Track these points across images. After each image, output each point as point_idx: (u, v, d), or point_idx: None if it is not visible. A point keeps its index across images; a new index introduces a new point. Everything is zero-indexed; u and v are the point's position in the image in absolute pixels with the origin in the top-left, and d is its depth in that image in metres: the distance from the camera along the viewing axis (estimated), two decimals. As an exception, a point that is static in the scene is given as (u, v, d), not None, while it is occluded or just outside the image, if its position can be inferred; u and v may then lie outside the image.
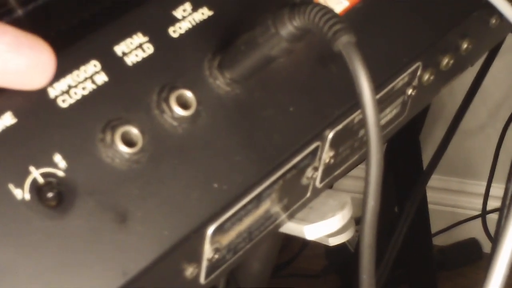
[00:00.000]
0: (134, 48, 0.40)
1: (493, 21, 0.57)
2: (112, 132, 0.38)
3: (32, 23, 0.41)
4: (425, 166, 1.13)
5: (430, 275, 1.34)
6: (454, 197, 1.65)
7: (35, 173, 0.36)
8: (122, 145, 0.38)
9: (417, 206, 1.09)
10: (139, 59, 0.40)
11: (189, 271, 0.41)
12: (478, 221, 1.39)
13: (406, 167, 1.24)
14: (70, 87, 0.38)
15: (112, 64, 0.39)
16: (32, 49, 0.35)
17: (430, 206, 1.28)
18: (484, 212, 1.35)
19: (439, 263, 1.54)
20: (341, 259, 1.51)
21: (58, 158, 0.37)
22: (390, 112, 0.52)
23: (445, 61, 0.54)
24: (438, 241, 1.49)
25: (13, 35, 0.34)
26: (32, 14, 0.41)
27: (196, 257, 0.42)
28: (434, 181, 1.33)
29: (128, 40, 0.40)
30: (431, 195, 1.29)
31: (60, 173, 0.36)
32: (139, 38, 0.41)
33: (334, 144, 0.47)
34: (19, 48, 0.34)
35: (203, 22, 0.42)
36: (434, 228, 1.35)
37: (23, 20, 0.41)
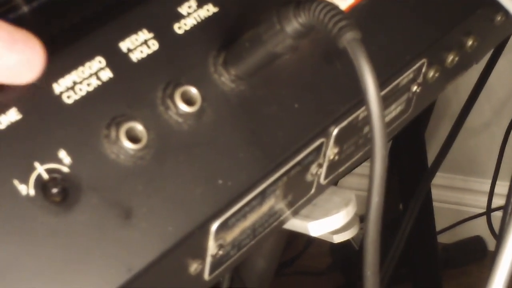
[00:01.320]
0: (139, 45, 0.40)
1: (498, 18, 0.57)
2: (117, 128, 0.38)
3: (37, 20, 0.41)
4: (429, 164, 1.13)
5: (435, 273, 1.34)
6: (459, 195, 1.64)
7: (40, 169, 0.36)
8: (127, 141, 0.38)
9: (422, 203, 1.09)
10: (144, 55, 0.40)
11: (193, 267, 0.42)
12: (483, 219, 1.38)
13: (411, 165, 1.24)
14: (75, 83, 0.38)
15: (117, 60, 0.40)
16: (25, 45, 0.35)
17: (434, 204, 1.28)
18: (489, 210, 1.35)
19: (443, 261, 1.54)
20: (346, 256, 1.52)
21: (62, 154, 0.37)
22: (395, 109, 0.52)
23: (450, 58, 0.54)
24: (442, 239, 1.49)
25: (7, 31, 0.34)
26: (37, 10, 0.41)
27: (200, 253, 0.42)
28: (439, 179, 1.33)
29: (133, 37, 0.40)
30: (435, 193, 1.28)
31: (65, 169, 0.37)
32: (144, 34, 0.41)
33: (339, 140, 0.47)
34: (13, 44, 0.34)
35: (208, 18, 0.42)
36: (438, 226, 1.35)
37: (28, 16, 0.41)
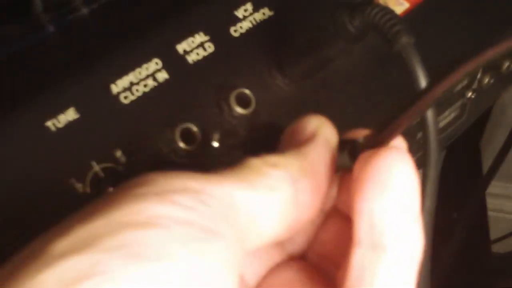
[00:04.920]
0: (195, 47, 0.41)
1: (556, 25, 0.56)
2: (172, 128, 0.38)
3: (95, 22, 0.42)
4: (484, 172, 1.12)
5: (489, 282, 1.33)
6: (515, 204, 1.62)
7: (96, 168, 0.36)
8: (181, 142, 0.38)
9: (476, 212, 1.08)
10: (200, 57, 0.41)
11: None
12: (540, 228, 1.37)
13: (466, 173, 1.23)
14: (132, 84, 0.39)
15: (174, 62, 0.40)
16: None
17: (489, 213, 1.27)
18: (546, 220, 1.33)
19: (498, 270, 1.52)
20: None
21: (118, 154, 0.37)
22: (449, 115, 0.52)
23: (505, 64, 0.53)
24: (497, 248, 1.48)
25: None
26: (96, 12, 0.42)
27: None
28: (494, 188, 1.32)
29: (190, 39, 0.41)
30: (490, 202, 1.27)
31: (120, 168, 0.37)
32: (200, 37, 0.41)
33: (392, 145, 0.47)
34: None
35: (264, 22, 0.43)
36: (493, 235, 1.34)
37: (87, 18, 0.42)
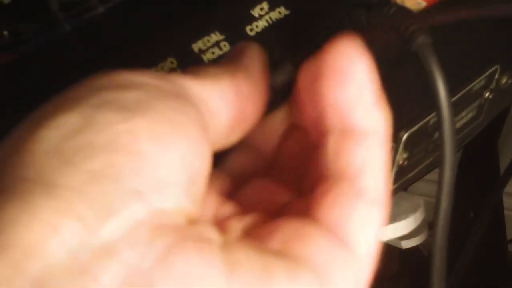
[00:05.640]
0: (211, 46, 0.41)
1: None
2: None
3: (112, 20, 0.42)
4: (502, 171, 1.11)
5: (505, 282, 1.32)
6: (532, 204, 1.62)
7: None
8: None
9: (493, 211, 1.08)
10: (215, 56, 0.41)
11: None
12: (557, 229, 1.36)
13: (483, 172, 1.23)
14: (147, 83, 0.39)
15: (189, 61, 0.40)
16: None
17: (506, 213, 1.26)
18: None
19: (514, 271, 1.51)
20: (414, 262, 1.50)
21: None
22: (466, 116, 0.51)
23: (524, 65, 0.53)
24: (513, 248, 1.47)
25: None
26: (113, 10, 0.42)
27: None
28: (512, 187, 1.31)
29: (206, 38, 0.41)
30: (508, 201, 1.27)
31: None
32: (216, 36, 0.41)
33: (408, 145, 0.47)
34: None
35: (280, 21, 0.43)
36: (510, 235, 1.33)
37: (104, 16, 0.42)
